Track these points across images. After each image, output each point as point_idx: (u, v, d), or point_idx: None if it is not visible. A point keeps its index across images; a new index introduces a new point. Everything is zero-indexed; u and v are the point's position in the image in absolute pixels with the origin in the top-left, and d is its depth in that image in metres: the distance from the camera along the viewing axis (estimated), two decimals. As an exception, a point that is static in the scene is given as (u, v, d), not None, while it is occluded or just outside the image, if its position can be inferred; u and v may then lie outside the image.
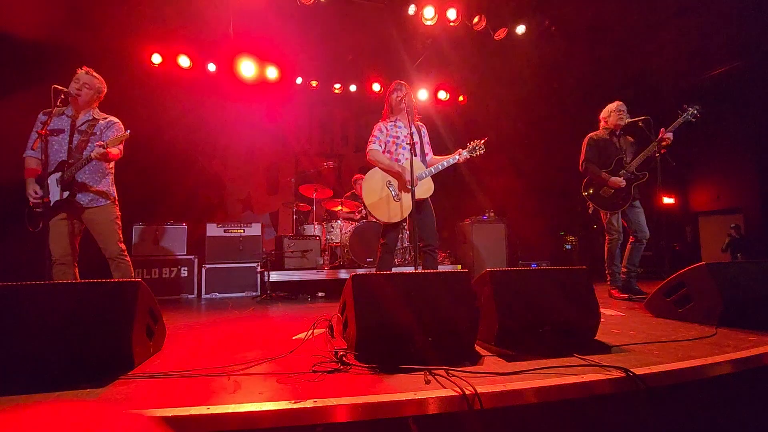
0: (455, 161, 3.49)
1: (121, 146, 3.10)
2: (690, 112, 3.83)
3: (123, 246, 3.17)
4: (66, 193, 2.94)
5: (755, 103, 5.80)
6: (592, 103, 4.29)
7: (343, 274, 5.06)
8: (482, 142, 3.55)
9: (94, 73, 3.14)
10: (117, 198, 3.24)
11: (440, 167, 3.46)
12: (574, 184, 4.29)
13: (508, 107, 7.31)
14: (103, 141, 2.88)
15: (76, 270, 3.07)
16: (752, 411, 1.76)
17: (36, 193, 2.87)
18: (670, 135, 3.78)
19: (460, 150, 3.52)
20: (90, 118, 3.11)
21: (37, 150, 2.97)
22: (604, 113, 4.17)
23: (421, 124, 3.66)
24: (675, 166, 3.87)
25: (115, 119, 3.21)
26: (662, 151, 3.82)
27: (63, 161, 2.97)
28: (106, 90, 3.21)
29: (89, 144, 3.01)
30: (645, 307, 3.03)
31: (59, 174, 2.95)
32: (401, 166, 3.39)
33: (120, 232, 3.18)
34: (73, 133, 3.02)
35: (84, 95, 3.05)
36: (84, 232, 3.14)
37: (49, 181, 2.88)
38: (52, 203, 2.91)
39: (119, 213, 3.22)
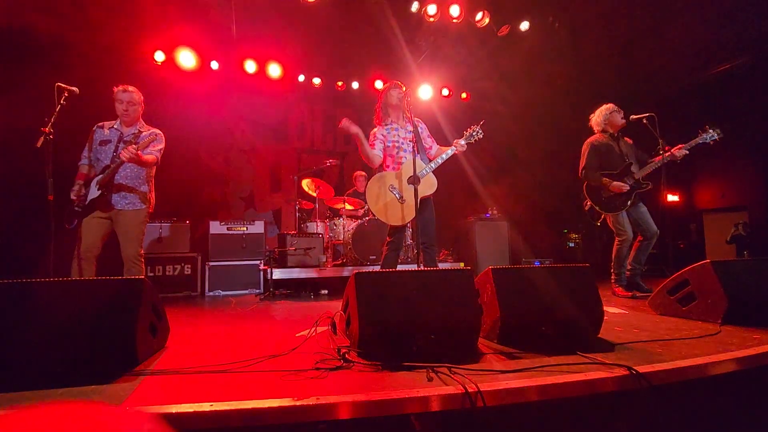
0: (453, 152, 3.40)
1: (158, 153, 3.30)
2: (710, 134, 3.77)
3: (141, 252, 3.30)
4: (99, 192, 3.14)
5: (761, 100, 5.75)
6: (596, 100, 4.25)
7: (346, 272, 5.07)
8: (479, 126, 3.43)
9: (130, 88, 3.30)
10: (153, 204, 3.42)
11: (439, 161, 3.40)
12: (578, 181, 4.27)
13: (512, 104, 7.27)
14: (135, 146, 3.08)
15: (95, 267, 3.17)
16: (756, 409, 1.76)
17: (77, 191, 3.12)
18: (684, 153, 3.75)
19: (457, 140, 3.42)
20: (136, 131, 3.32)
21: (88, 158, 3.26)
22: (597, 118, 4.10)
23: (417, 120, 3.63)
24: (679, 163, 3.85)
25: (158, 130, 3.38)
26: (666, 148, 3.79)
27: (106, 166, 3.18)
28: (142, 97, 3.39)
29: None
30: (649, 305, 3.02)
31: (100, 176, 3.16)
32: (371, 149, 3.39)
33: (142, 237, 3.34)
34: (119, 143, 3.24)
35: (131, 113, 3.30)
36: (112, 233, 3.27)
37: (92, 184, 3.16)
38: (87, 201, 3.13)
39: (148, 219, 3.38)
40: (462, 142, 3.41)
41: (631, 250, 4.00)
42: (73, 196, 3.13)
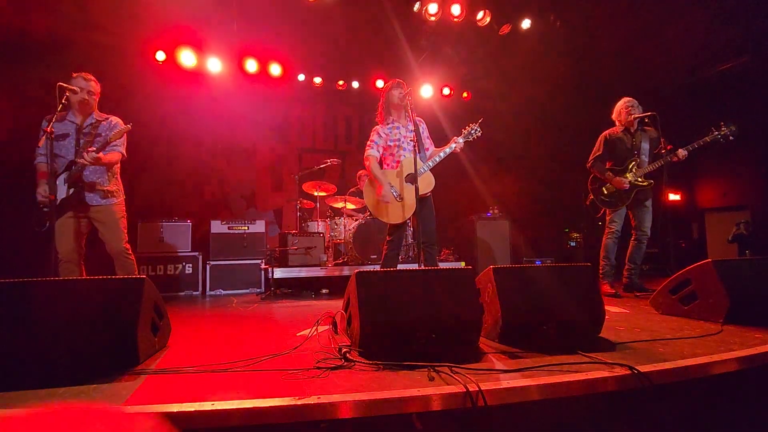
0: (452, 150, 3.41)
1: (123, 148, 3.19)
2: (723, 132, 3.65)
3: (128, 245, 3.22)
4: (71, 191, 3.00)
5: (762, 99, 5.73)
6: (597, 99, 4.25)
7: (347, 271, 5.07)
8: (477, 124, 3.45)
9: (90, 76, 3.16)
10: (124, 196, 3.31)
11: (437, 159, 3.40)
12: (579, 180, 4.27)
13: (513, 103, 7.26)
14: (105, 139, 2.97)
15: (83, 268, 3.12)
16: (758, 409, 1.75)
17: (45, 191, 2.93)
18: (684, 154, 3.72)
19: (455, 138, 3.43)
20: (93, 120, 3.18)
21: (44, 155, 2.98)
22: (614, 113, 4.10)
23: (419, 119, 3.63)
24: (681, 162, 3.83)
25: (116, 118, 3.26)
26: (668, 147, 3.78)
27: (71, 161, 3.04)
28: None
29: (94, 145, 3.06)
30: (650, 304, 3.01)
31: (67, 173, 3.02)
32: (386, 178, 3.38)
33: (125, 230, 3.23)
34: (78, 136, 3.10)
35: (89, 101, 3.14)
36: (91, 231, 3.18)
37: (57, 182, 2.96)
38: (58, 202, 2.96)
39: (125, 212, 3.27)
40: (460, 140, 3.43)
41: (616, 243, 4.00)
42: (41, 198, 2.95)
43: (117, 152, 3.15)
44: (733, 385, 1.71)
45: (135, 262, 3.25)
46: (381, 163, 3.55)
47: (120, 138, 3.05)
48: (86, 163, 2.93)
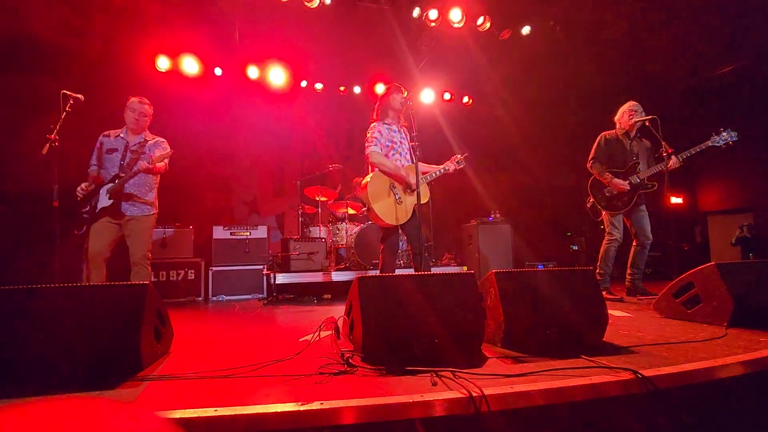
0: (445, 172, 3.59)
1: (166, 161, 3.46)
2: (723, 137, 3.64)
3: (150, 255, 3.42)
4: (111, 201, 3.25)
5: (764, 101, 5.73)
6: (597, 104, 4.25)
7: (349, 276, 5.07)
8: (462, 156, 3.68)
9: (145, 100, 3.47)
10: (158, 210, 3.57)
11: (434, 175, 3.55)
12: (581, 184, 4.27)
13: (513, 108, 7.28)
14: (150, 156, 3.29)
15: (105, 271, 3.27)
16: (763, 413, 1.74)
17: (84, 188, 3.21)
18: (676, 163, 3.71)
19: (448, 162, 3.62)
20: (141, 139, 3.47)
21: (96, 165, 3.37)
22: (617, 114, 4.11)
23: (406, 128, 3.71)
24: (683, 165, 3.83)
25: (162, 138, 3.57)
26: (669, 150, 3.78)
27: (116, 174, 3.31)
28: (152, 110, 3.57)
29: (139, 161, 3.32)
30: (653, 308, 3.00)
31: (110, 185, 3.27)
32: (406, 171, 3.41)
33: (151, 242, 3.46)
34: (126, 152, 3.37)
35: (141, 122, 3.46)
36: (121, 237, 3.37)
37: (101, 192, 3.26)
38: (98, 209, 3.22)
39: (155, 224, 3.51)
40: (452, 165, 3.62)
41: (614, 252, 3.99)
42: (78, 193, 3.19)
43: (164, 164, 3.45)
44: (738, 389, 1.70)
45: (151, 272, 3.44)
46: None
47: (162, 160, 3.34)
48: (142, 169, 3.22)
